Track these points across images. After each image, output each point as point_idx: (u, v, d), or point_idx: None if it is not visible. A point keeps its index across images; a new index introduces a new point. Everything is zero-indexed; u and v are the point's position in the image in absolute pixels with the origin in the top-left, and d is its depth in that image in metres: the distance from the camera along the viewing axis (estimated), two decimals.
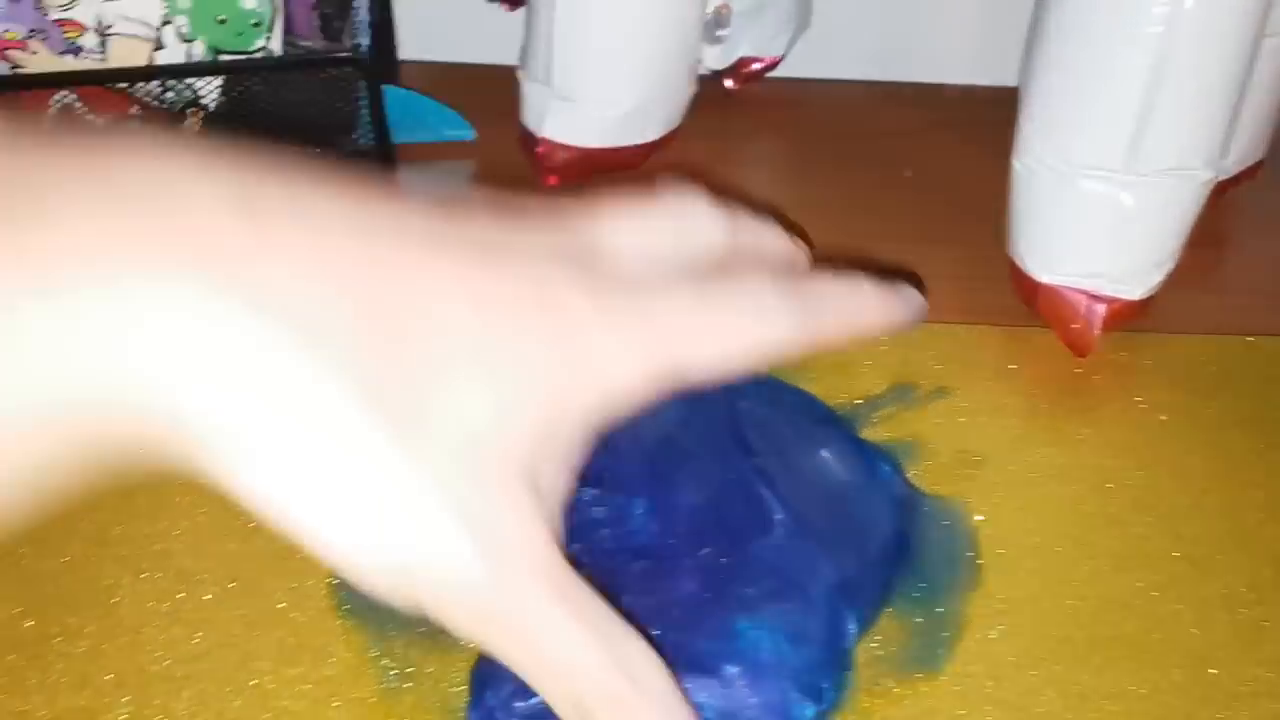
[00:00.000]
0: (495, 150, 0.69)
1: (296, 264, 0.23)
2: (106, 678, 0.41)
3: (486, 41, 0.71)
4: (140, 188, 0.22)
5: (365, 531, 0.23)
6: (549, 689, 0.25)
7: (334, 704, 0.40)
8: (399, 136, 0.65)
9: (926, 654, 0.42)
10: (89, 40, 0.58)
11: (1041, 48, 0.51)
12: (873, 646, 0.42)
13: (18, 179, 0.21)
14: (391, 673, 0.41)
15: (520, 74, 0.65)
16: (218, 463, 0.23)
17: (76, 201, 0.21)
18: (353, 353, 0.23)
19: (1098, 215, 0.51)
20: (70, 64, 0.58)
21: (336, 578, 0.44)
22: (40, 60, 0.58)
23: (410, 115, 0.67)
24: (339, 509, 0.23)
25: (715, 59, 0.72)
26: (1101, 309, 0.53)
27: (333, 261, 0.23)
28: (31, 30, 0.57)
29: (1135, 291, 0.53)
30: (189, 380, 0.22)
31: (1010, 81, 0.72)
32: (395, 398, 0.23)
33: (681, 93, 0.67)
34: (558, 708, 0.26)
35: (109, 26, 0.58)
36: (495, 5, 0.72)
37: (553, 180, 0.65)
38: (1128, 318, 0.54)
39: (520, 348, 0.25)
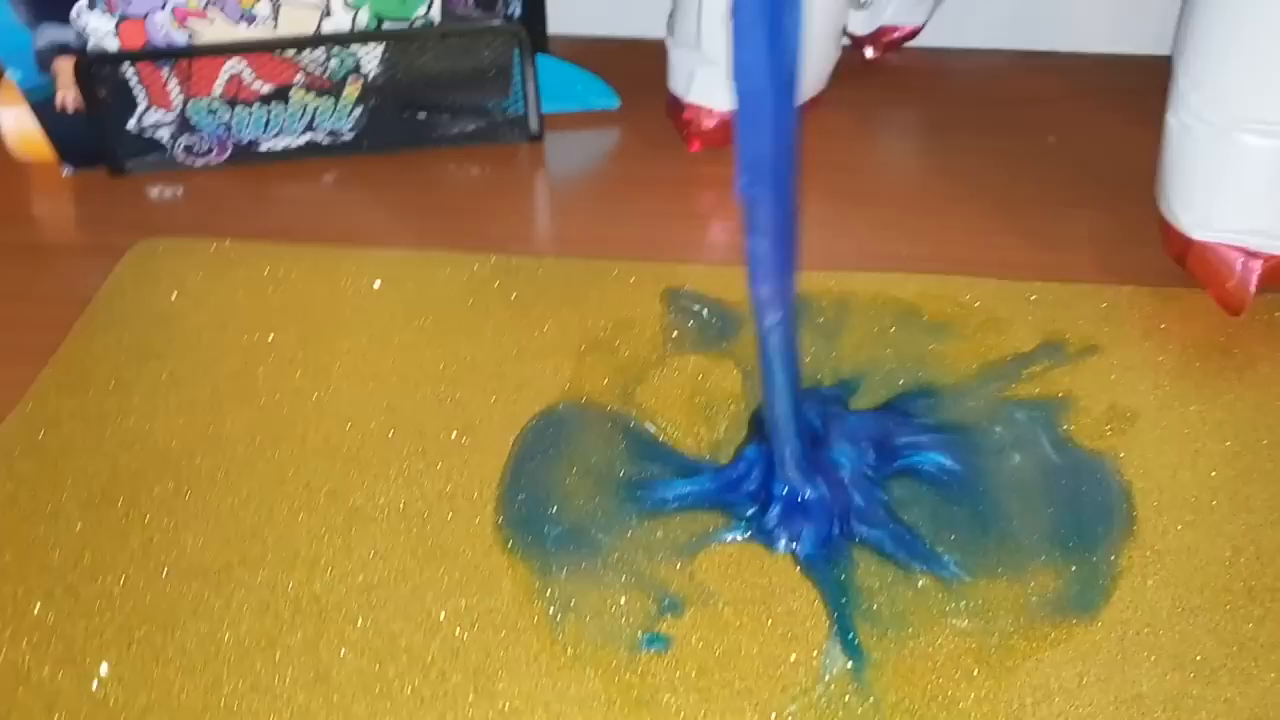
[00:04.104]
0: (639, 119, 0.70)
1: None
2: (284, 605, 0.43)
3: (632, 15, 0.72)
4: None
5: None
6: None
7: (501, 633, 0.42)
8: (547, 106, 0.67)
9: (1083, 600, 0.42)
10: (262, 9, 0.60)
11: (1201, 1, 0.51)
12: (1028, 591, 0.42)
13: None
14: (555, 604, 0.43)
15: (668, 40, 0.66)
16: None
17: None
18: None
19: (1256, 169, 0.50)
20: (244, 32, 0.61)
21: (503, 515, 0.46)
22: (216, 29, 0.61)
23: (558, 83, 0.68)
24: None
25: (860, 25, 0.72)
26: (1257, 266, 0.52)
27: None
28: (210, 0, 0.60)
29: None
30: None
31: (1148, 49, 0.72)
32: None
33: (827, 58, 0.67)
34: None
35: None
36: None
37: (696, 146, 0.66)
38: None
39: None
